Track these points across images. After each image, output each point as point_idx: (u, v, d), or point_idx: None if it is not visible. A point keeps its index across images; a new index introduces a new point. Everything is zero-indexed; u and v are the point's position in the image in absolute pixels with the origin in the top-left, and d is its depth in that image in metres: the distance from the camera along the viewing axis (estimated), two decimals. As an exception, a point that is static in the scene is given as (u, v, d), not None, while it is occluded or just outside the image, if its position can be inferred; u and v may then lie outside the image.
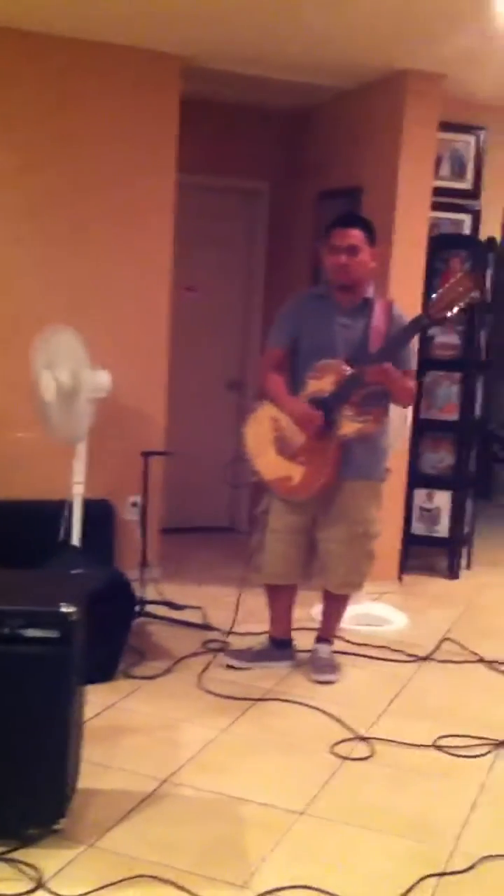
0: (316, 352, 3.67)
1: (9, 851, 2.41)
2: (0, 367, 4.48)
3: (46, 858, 2.42)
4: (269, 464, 3.75)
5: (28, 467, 4.47)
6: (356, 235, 3.61)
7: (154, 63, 4.65)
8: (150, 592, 4.49)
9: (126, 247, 4.73)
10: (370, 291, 3.71)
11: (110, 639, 3.60)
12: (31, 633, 2.43)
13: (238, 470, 4.73)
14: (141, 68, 4.65)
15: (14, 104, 4.47)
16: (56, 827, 2.48)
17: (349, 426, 3.59)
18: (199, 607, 4.52)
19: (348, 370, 3.57)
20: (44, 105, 4.52)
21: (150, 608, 4.40)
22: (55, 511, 4.12)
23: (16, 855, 2.40)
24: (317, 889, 2.39)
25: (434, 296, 3.52)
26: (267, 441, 3.76)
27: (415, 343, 3.79)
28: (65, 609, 2.44)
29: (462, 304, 3.48)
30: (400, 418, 4.24)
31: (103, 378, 3.98)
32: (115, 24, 4.30)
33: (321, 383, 3.62)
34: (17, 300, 4.52)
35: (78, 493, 4.04)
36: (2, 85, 4.43)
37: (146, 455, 4.41)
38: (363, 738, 3.31)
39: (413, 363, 3.75)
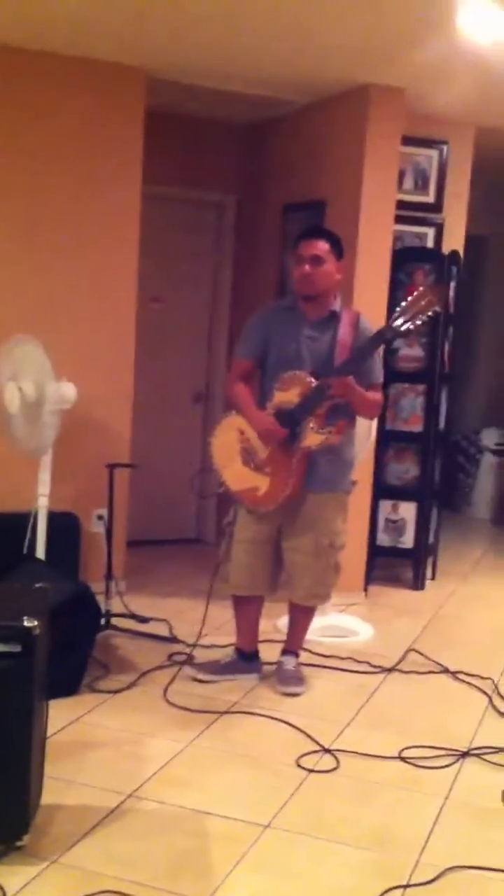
0: (282, 363, 3.68)
1: (-30, 869, 2.39)
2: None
3: (9, 875, 2.39)
4: (235, 474, 3.76)
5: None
6: (321, 247, 3.63)
7: (119, 76, 4.65)
8: (115, 605, 4.46)
9: (91, 258, 4.72)
10: (337, 304, 3.73)
11: (74, 652, 3.58)
12: (-7, 647, 2.40)
13: (205, 481, 4.72)
14: (105, 81, 4.64)
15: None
16: (19, 843, 2.45)
17: (313, 438, 3.60)
18: (164, 620, 4.50)
19: (313, 382, 3.58)
20: (4, 117, 4.50)
21: (115, 621, 4.37)
22: (19, 523, 4.09)
23: (-23, 872, 2.38)
24: (282, 902, 2.39)
25: (398, 308, 3.55)
26: (233, 452, 3.76)
27: (380, 354, 3.81)
28: (27, 623, 2.42)
29: (425, 317, 3.51)
30: (364, 430, 4.26)
31: (68, 390, 3.97)
32: (79, 36, 4.30)
33: (287, 395, 3.63)
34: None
35: (43, 505, 4.02)
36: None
37: (111, 467, 4.39)
38: (328, 751, 3.31)
39: (379, 375, 3.77)
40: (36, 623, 2.42)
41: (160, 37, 4.25)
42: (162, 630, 4.40)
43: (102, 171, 4.70)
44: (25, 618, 2.42)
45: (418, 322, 3.50)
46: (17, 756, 2.43)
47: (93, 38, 4.32)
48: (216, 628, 4.23)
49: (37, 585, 2.76)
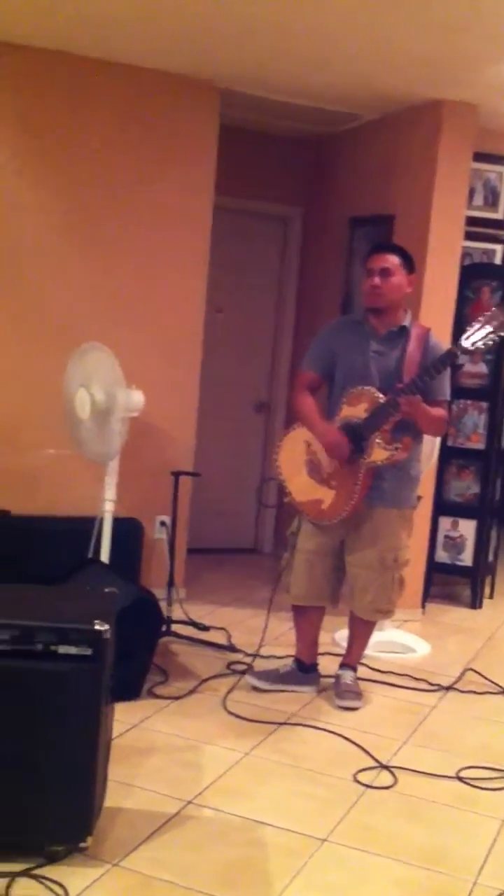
0: (350, 378, 3.69)
1: (35, 868, 2.42)
2: (34, 383, 4.52)
3: (72, 876, 2.42)
4: (300, 486, 3.78)
5: (57, 483, 4.51)
6: (391, 260, 3.65)
7: (193, 88, 4.71)
8: (175, 612, 4.50)
9: (161, 268, 4.78)
10: (406, 319, 3.73)
11: (136, 657, 3.61)
12: (64, 649, 2.44)
13: (268, 490, 4.75)
14: (181, 93, 4.71)
15: (53, 126, 4.54)
16: (82, 845, 2.49)
17: (379, 453, 3.60)
18: (223, 628, 4.52)
19: (381, 398, 3.58)
20: (83, 127, 4.58)
21: (175, 628, 4.41)
22: (84, 527, 4.15)
23: (42, 871, 2.41)
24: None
25: (469, 327, 3.53)
26: (299, 463, 3.78)
27: (448, 372, 3.80)
28: (98, 626, 2.45)
29: (497, 338, 3.49)
30: (429, 446, 4.25)
31: (137, 397, 4.02)
32: (156, 50, 4.36)
33: (355, 409, 3.64)
34: (52, 319, 4.57)
35: (108, 510, 4.07)
36: (42, 108, 4.50)
37: (176, 475, 4.43)
38: (386, 767, 3.30)
39: (446, 393, 3.76)
40: (106, 627, 2.46)
41: (234, 50, 4.29)
42: (220, 638, 4.43)
43: (175, 182, 4.76)
44: (96, 621, 2.46)
45: (489, 342, 3.48)
46: (83, 758, 2.47)
47: (169, 52, 4.39)
48: (275, 639, 4.24)
49: (106, 589, 2.79)
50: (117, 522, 4.13)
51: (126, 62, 4.55)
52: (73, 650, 2.44)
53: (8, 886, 2.35)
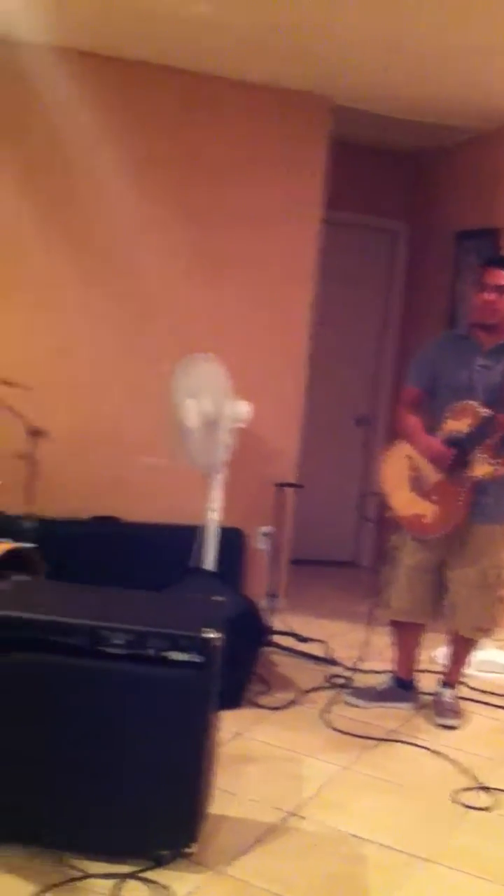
0: (454, 392, 3.67)
1: (142, 871, 2.46)
2: (142, 393, 4.61)
3: (177, 881, 2.46)
4: (402, 500, 3.76)
5: (164, 492, 4.59)
6: (507, 276, 3.61)
7: (305, 104, 4.76)
8: (276, 622, 4.52)
9: (268, 281, 4.83)
10: (511, 333, 3.70)
11: (240, 666, 3.65)
12: (175, 656, 2.48)
13: (369, 504, 4.73)
14: (292, 108, 4.75)
15: (160, 140, 4.63)
16: (188, 850, 2.52)
17: (483, 468, 3.56)
18: (322, 641, 4.53)
19: (485, 413, 3.55)
20: (194, 143, 4.67)
21: (275, 638, 4.43)
22: (188, 536, 4.21)
23: (149, 875, 2.45)
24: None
25: None
26: (402, 478, 3.77)
27: None
28: (209, 634, 2.49)
29: None
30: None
31: (243, 408, 4.06)
32: (271, 66, 4.42)
33: (458, 424, 3.61)
34: (162, 331, 4.66)
35: (213, 519, 4.12)
36: (152, 123, 4.60)
37: (280, 486, 4.46)
38: (486, 788, 3.25)
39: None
40: (217, 635, 2.49)
41: (349, 66, 4.32)
42: (319, 650, 4.44)
43: (283, 196, 4.81)
44: (208, 629, 2.49)
45: None
46: (191, 764, 2.50)
47: (283, 68, 4.43)
48: (373, 654, 4.22)
49: (214, 598, 2.83)
50: (221, 532, 4.18)
51: (238, 78, 4.62)
52: (184, 657, 2.47)
53: (116, 888, 2.40)
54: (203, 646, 2.49)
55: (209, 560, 4.11)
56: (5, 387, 3.78)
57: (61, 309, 4.59)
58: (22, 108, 4.39)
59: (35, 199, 4.48)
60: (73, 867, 2.46)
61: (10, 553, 3.31)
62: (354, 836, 2.86)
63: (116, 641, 2.46)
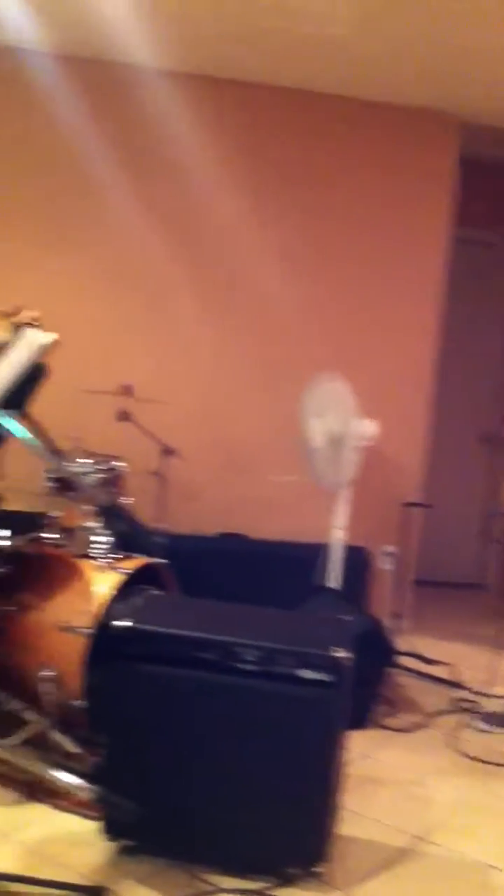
0: None
1: (272, 888, 2.47)
2: (270, 413, 4.66)
3: (306, 900, 2.47)
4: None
5: (290, 510, 4.61)
6: None
7: (434, 122, 4.73)
8: (400, 643, 4.47)
9: (395, 301, 4.81)
10: None
11: (366, 686, 3.63)
12: (305, 674, 2.49)
13: (496, 524, 4.65)
14: (420, 128, 4.74)
15: (287, 164, 4.67)
16: (316, 870, 2.52)
17: None
18: (448, 664, 4.46)
19: None
20: (319, 164, 4.70)
21: (400, 660, 4.39)
22: (313, 554, 4.21)
23: (278, 892, 2.46)
24: None
25: None
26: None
27: None
28: (338, 653, 2.49)
29: None
30: None
31: (369, 427, 4.05)
32: (401, 86, 4.42)
33: None
34: (290, 352, 4.70)
35: (338, 538, 4.12)
36: (277, 145, 4.65)
37: (407, 506, 4.43)
38: None
39: None
40: (347, 654, 2.49)
41: (474, 81, 4.28)
42: (445, 673, 4.37)
43: (411, 215, 4.79)
44: (337, 648, 2.49)
45: None
46: (319, 784, 2.50)
47: (413, 87, 4.43)
48: (501, 678, 4.14)
49: (342, 617, 2.83)
50: (346, 550, 4.17)
51: (366, 98, 4.63)
52: (314, 675, 2.48)
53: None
54: (333, 665, 2.49)
55: (334, 578, 4.10)
56: (140, 408, 3.88)
57: (192, 333, 4.69)
58: (147, 134, 4.52)
59: (164, 228, 4.60)
60: (203, 881, 2.49)
61: (144, 568, 3.38)
62: (485, 864, 2.79)
63: (249, 658, 2.49)
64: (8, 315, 2.19)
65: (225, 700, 2.51)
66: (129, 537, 3.70)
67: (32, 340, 1.91)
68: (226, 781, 2.50)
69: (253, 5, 3.73)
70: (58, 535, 3.43)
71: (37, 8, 3.95)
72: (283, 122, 4.66)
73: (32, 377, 1.91)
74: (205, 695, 2.51)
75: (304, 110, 4.66)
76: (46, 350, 1.94)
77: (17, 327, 2.19)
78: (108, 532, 3.40)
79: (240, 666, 2.50)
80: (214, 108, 4.53)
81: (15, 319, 2.20)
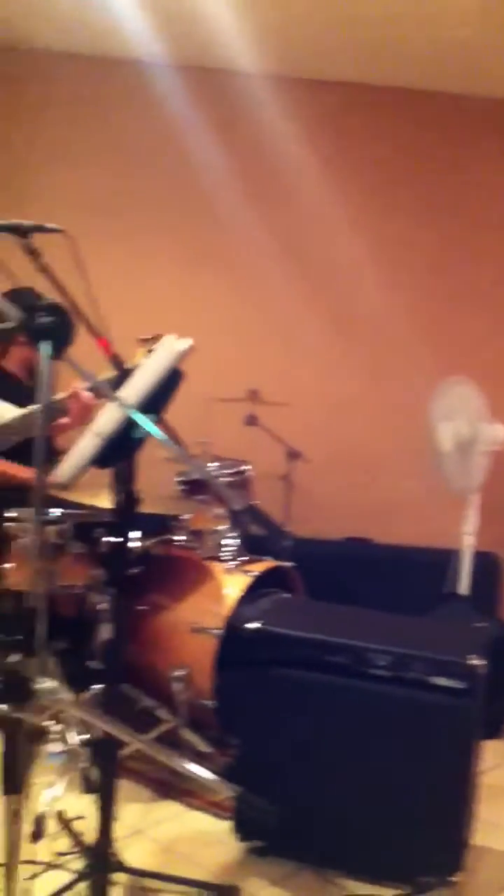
0: None
1: (406, 895, 2.45)
2: (396, 416, 4.62)
3: (443, 910, 2.43)
4: None
5: (417, 514, 4.56)
6: None
7: None
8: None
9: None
10: None
11: (498, 694, 3.55)
12: (439, 681, 2.45)
13: None
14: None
15: (410, 164, 4.64)
16: (452, 879, 2.47)
17: None
18: None
19: None
20: (443, 158, 4.65)
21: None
22: (440, 559, 4.15)
23: (411, 900, 2.44)
24: None
25: None
26: None
27: None
28: (474, 661, 2.45)
29: None
30: None
31: (499, 431, 3.98)
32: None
33: None
34: (415, 354, 4.66)
35: (468, 543, 4.05)
36: (399, 147, 4.62)
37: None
38: None
39: None
40: (483, 662, 2.45)
41: None
42: None
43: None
44: (472, 655, 2.45)
45: None
46: (454, 793, 2.46)
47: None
48: None
49: (476, 624, 2.78)
50: (476, 556, 4.10)
51: (496, 97, 4.55)
52: (448, 683, 2.44)
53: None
54: (468, 672, 2.45)
55: (463, 585, 4.03)
56: (267, 413, 3.91)
57: (315, 340, 4.71)
58: (256, 138, 4.56)
59: (282, 240, 4.65)
60: (335, 885, 2.49)
61: (271, 571, 3.40)
62: None
63: (380, 663, 2.47)
64: (146, 342, 2.24)
65: (356, 705, 2.50)
66: (260, 540, 3.74)
67: (171, 346, 1.95)
68: (358, 787, 2.49)
69: (383, 13, 3.73)
70: (187, 538, 3.49)
71: (160, 20, 4.03)
72: (411, 124, 4.64)
73: (170, 383, 1.95)
74: (335, 699, 2.51)
75: (435, 111, 4.62)
76: (183, 356, 1.97)
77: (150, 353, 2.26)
78: (237, 534, 3.44)
79: (371, 671, 2.49)
80: (334, 111, 4.54)
81: (152, 347, 2.26)
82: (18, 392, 2.95)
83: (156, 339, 2.22)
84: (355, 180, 4.64)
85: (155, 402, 1.92)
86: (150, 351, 2.25)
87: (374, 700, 2.48)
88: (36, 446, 1.62)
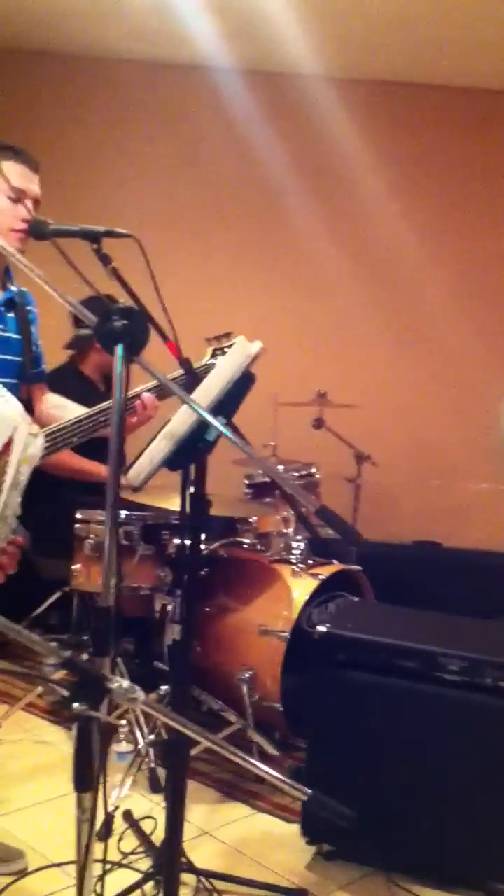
0: None
1: (479, 904, 2.42)
2: (467, 419, 4.58)
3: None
4: None
5: (488, 518, 4.51)
6: None
7: None
8: None
9: None
10: None
11: None
12: (513, 687, 2.42)
13: None
14: None
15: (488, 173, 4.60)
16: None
17: None
18: None
19: None
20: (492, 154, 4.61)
21: None
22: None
23: (486, 909, 2.41)
24: None
25: None
26: None
27: None
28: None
29: None
30: None
31: None
32: None
33: None
34: (477, 358, 4.61)
35: (539, 548, 4.00)
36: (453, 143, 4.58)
37: None
38: None
39: None
40: None
41: None
42: None
43: None
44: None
45: None
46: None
47: None
48: None
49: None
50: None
51: None
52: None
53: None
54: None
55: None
56: (334, 416, 3.91)
57: (382, 343, 4.69)
58: (325, 141, 4.55)
59: (345, 242, 4.64)
60: (404, 890, 2.46)
61: (339, 574, 3.38)
62: None
63: (452, 668, 2.44)
64: (214, 340, 2.25)
65: (428, 710, 2.47)
66: (328, 543, 3.72)
67: (244, 349, 1.95)
68: (428, 791, 2.47)
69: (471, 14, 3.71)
70: (254, 540, 3.49)
71: (228, 27, 4.06)
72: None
73: (242, 385, 1.95)
74: (406, 704, 2.48)
75: (479, 108, 4.59)
76: (254, 359, 1.98)
77: (217, 351, 2.26)
78: (306, 537, 3.44)
79: (443, 676, 2.46)
80: (394, 112, 4.53)
81: (218, 345, 2.26)
82: (94, 396, 2.99)
83: (224, 337, 2.23)
84: (427, 189, 4.61)
85: (227, 405, 1.92)
86: (216, 350, 2.26)
87: (445, 705, 2.45)
88: (110, 448, 1.63)
